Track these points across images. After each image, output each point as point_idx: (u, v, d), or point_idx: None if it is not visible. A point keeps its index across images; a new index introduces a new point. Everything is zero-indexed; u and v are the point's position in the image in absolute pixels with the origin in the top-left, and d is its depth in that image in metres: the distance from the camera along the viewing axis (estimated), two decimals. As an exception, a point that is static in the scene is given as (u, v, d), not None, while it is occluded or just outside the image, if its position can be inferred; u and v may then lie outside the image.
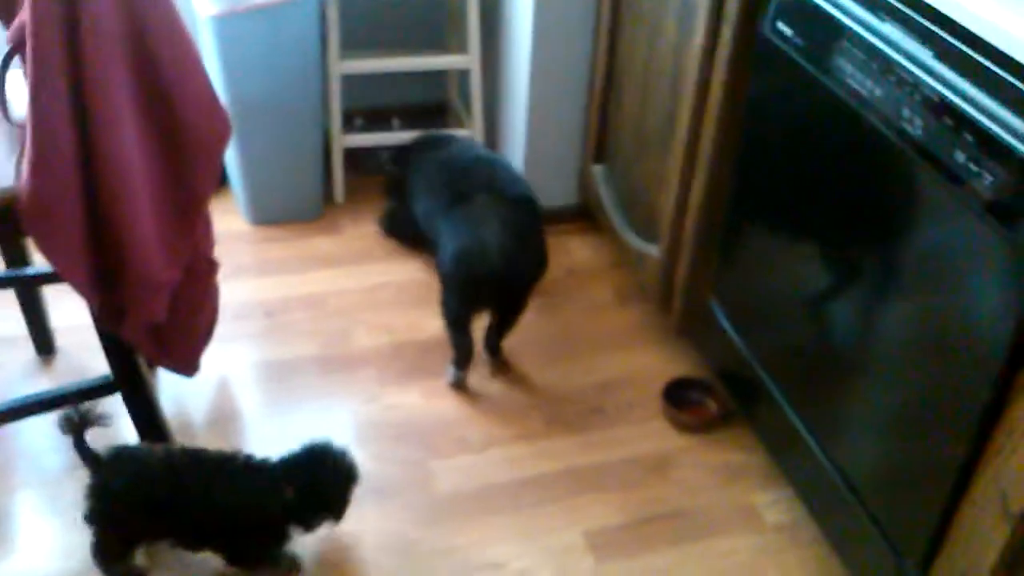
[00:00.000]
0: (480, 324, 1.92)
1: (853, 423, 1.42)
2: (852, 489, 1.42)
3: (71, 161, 1.20)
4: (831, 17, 1.30)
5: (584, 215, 2.33)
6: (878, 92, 1.22)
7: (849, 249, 1.38)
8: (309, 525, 1.48)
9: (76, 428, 1.37)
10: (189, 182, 1.31)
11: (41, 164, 1.19)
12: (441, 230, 1.85)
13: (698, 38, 1.59)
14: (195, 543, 1.48)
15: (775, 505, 1.68)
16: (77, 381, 1.60)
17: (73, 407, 1.38)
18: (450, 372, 1.91)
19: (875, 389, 1.36)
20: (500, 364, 1.98)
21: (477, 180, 1.89)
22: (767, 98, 1.51)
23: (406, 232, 2.23)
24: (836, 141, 1.35)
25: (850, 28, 1.26)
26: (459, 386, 1.91)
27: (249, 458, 1.47)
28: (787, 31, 1.40)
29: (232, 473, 1.45)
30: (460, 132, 2.30)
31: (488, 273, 1.77)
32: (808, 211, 1.46)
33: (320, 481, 1.46)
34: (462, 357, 1.89)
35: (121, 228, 1.25)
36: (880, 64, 1.21)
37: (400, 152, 2.23)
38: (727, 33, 1.53)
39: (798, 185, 1.48)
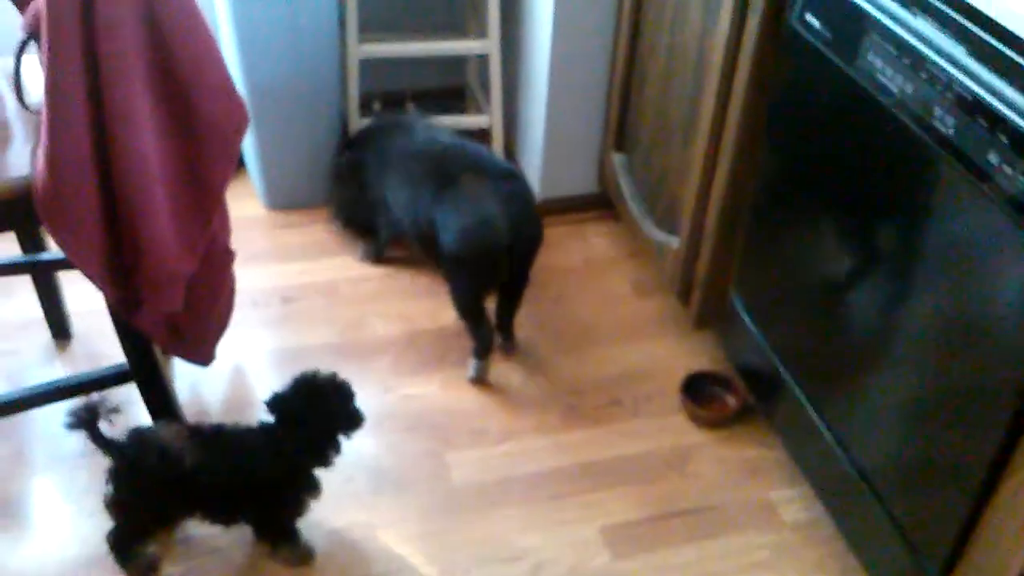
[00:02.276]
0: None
1: (874, 421, 1.40)
2: (872, 488, 1.41)
3: (86, 151, 1.19)
4: (861, 10, 1.26)
5: (603, 204, 2.31)
6: (908, 89, 1.19)
7: (873, 243, 1.35)
8: (326, 461, 1.47)
9: (87, 422, 1.37)
10: (206, 173, 1.29)
11: (56, 154, 1.18)
12: (435, 218, 1.84)
13: (723, 27, 1.56)
14: (221, 515, 1.48)
15: (793, 502, 1.66)
16: (92, 370, 1.60)
17: (81, 403, 1.37)
18: (473, 365, 1.89)
19: (898, 386, 1.34)
20: (513, 345, 1.97)
21: (459, 163, 1.89)
22: (793, 90, 1.48)
23: (365, 219, 2.17)
24: (862, 136, 1.32)
25: (881, 22, 1.23)
26: (482, 379, 1.89)
27: (261, 423, 1.47)
28: (815, 23, 1.36)
29: (245, 439, 1.45)
30: (412, 115, 2.22)
31: (497, 244, 1.77)
32: (832, 204, 1.44)
33: (314, 415, 1.43)
34: (485, 345, 1.87)
35: (137, 219, 1.24)
36: (911, 60, 1.18)
37: (356, 139, 2.20)
38: (753, 23, 1.50)
39: (822, 178, 1.45)
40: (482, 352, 1.87)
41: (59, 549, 1.55)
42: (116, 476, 1.41)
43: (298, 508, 1.49)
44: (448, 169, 1.87)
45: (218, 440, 1.44)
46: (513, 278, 1.89)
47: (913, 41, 1.18)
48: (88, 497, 1.63)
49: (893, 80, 1.21)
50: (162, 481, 1.40)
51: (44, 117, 1.16)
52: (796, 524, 1.63)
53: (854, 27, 1.28)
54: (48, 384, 1.57)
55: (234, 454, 1.43)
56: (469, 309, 1.87)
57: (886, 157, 1.28)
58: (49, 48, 1.11)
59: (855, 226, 1.39)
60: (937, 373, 1.25)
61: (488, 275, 1.84)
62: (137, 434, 1.43)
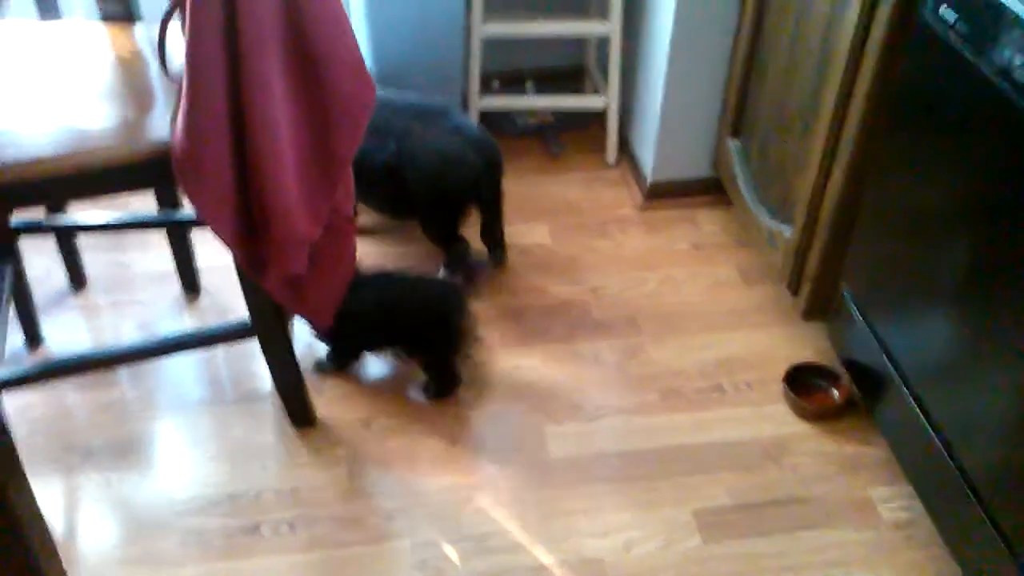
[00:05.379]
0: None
1: (986, 427, 1.36)
2: (976, 494, 1.38)
3: (223, 118, 1.26)
4: (1002, 6, 1.23)
5: (715, 189, 2.29)
6: (1044, 87, 1.15)
7: (997, 247, 1.32)
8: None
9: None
10: (333, 144, 1.35)
11: (194, 119, 1.25)
12: (403, 167, 1.95)
13: (851, 17, 1.54)
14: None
15: (893, 501, 1.64)
16: (219, 324, 1.69)
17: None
18: (443, 273, 2.09)
19: (1015, 394, 1.30)
20: (505, 257, 2.15)
21: (402, 113, 2.00)
22: (921, 85, 1.45)
23: None
24: (994, 136, 1.29)
25: (1022, 18, 1.19)
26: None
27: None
28: (950, 17, 1.33)
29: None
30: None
31: (469, 178, 1.96)
32: (955, 204, 1.40)
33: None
34: (459, 261, 2.07)
35: (267, 184, 1.31)
36: (1049, 57, 1.14)
37: None
38: (883, 14, 1.47)
39: (947, 178, 1.42)
40: (453, 265, 2.07)
41: (181, 489, 1.65)
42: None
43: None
44: (398, 120, 1.98)
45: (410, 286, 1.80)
46: (492, 199, 2.06)
47: (1052, 38, 1.14)
48: (209, 442, 1.74)
49: (1028, 78, 1.18)
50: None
51: (184, 82, 1.23)
52: (895, 523, 1.61)
53: (993, 23, 1.24)
54: (177, 335, 1.67)
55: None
56: (448, 236, 2.05)
57: (1018, 159, 1.24)
58: (191, 18, 1.18)
59: (977, 227, 1.35)
60: (1054, 381, 1.22)
61: (464, 206, 2.02)
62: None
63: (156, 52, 1.53)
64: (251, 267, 1.43)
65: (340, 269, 1.55)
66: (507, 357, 1.92)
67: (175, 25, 1.36)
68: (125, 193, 1.48)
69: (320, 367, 1.87)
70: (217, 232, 1.35)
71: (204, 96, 1.24)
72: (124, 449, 1.73)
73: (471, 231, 2.09)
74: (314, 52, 1.28)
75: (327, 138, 1.34)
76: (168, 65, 1.44)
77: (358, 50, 1.34)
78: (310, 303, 1.53)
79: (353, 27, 1.76)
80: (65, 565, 1.51)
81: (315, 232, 1.40)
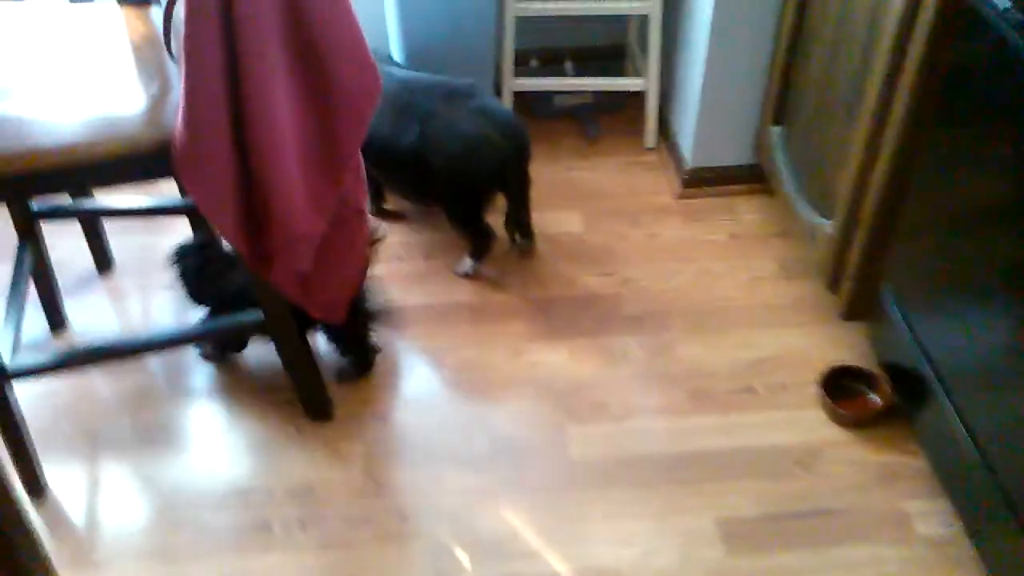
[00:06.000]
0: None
1: (1029, 444, 1.27)
2: (1016, 515, 1.29)
3: (221, 109, 1.22)
4: (1056, -10, 1.12)
5: (756, 177, 2.19)
6: (1102, 84, 1.05)
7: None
8: None
9: None
10: (336, 136, 1.30)
11: (193, 110, 1.21)
12: (427, 149, 1.88)
13: (898, 1, 1.43)
14: None
15: (929, 516, 1.55)
16: (232, 317, 1.66)
17: None
18: (468, 264, 2.02)
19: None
20: (533, 245, 2.09)
21: (429, 93, 1.93)
22: (969, 73, 1.34)
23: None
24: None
25: (1077, 5, 1.09)
26: (474, 275, 2.02)
27: None
28: (1002, 3, 1.22)
29: None
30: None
31: (496, 161, 1.88)
32: (1004, 201, 1.30)
33: None
34: (485, 248, 2.00)
35: (268, 178, 1.26)
36: (1109, 51, 1.04)
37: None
38: (932, -3, 1.37)
39: (997, 172, 1.31)
40: (479, 255, 2.01)
41: (195, 482, 1.64)
42: None
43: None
44: (422, 102, 1.91)
45: None
46: (518, 184, 1.98)
47: (1113, 30, 1.04)
48: (225, 434, 1.72)
49: (1084, 73, 1.08)
50: None
51: (182, 72, 1.19)
52: (931, 540, 1.52)
53: (1045, 9, 1.14)
54: (189, 329, 1.66)
55: None
56: (473, 223, 1.98)
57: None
58: (187, 6, 1.13)
59: (1027, 229, 1.25)
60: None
61: (490, 190, 1.95)
62: None
63: (162, 38, 1.49)
64: (257, 262, 1.39)
65: (350, 263, 1.50)
66: (533, 351, 1.87)
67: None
68: (142, 182, 1.44)
69: (342, 376, 1.81)
70: (218, 227, 1.31)
71: (202, 87, 1.19)
72: (142, 439, 1.72)
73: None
74: (315, 42, 1.23)
75: (331, 132, 1.29)
76: (175, 51, 1.40)
77: (363, 41, 1.28)
78: (320, 298, 1.49)
79: (382, 3, 1.67)
80: (80, 555, 1.52)
81: (319, 227, 1.36)
